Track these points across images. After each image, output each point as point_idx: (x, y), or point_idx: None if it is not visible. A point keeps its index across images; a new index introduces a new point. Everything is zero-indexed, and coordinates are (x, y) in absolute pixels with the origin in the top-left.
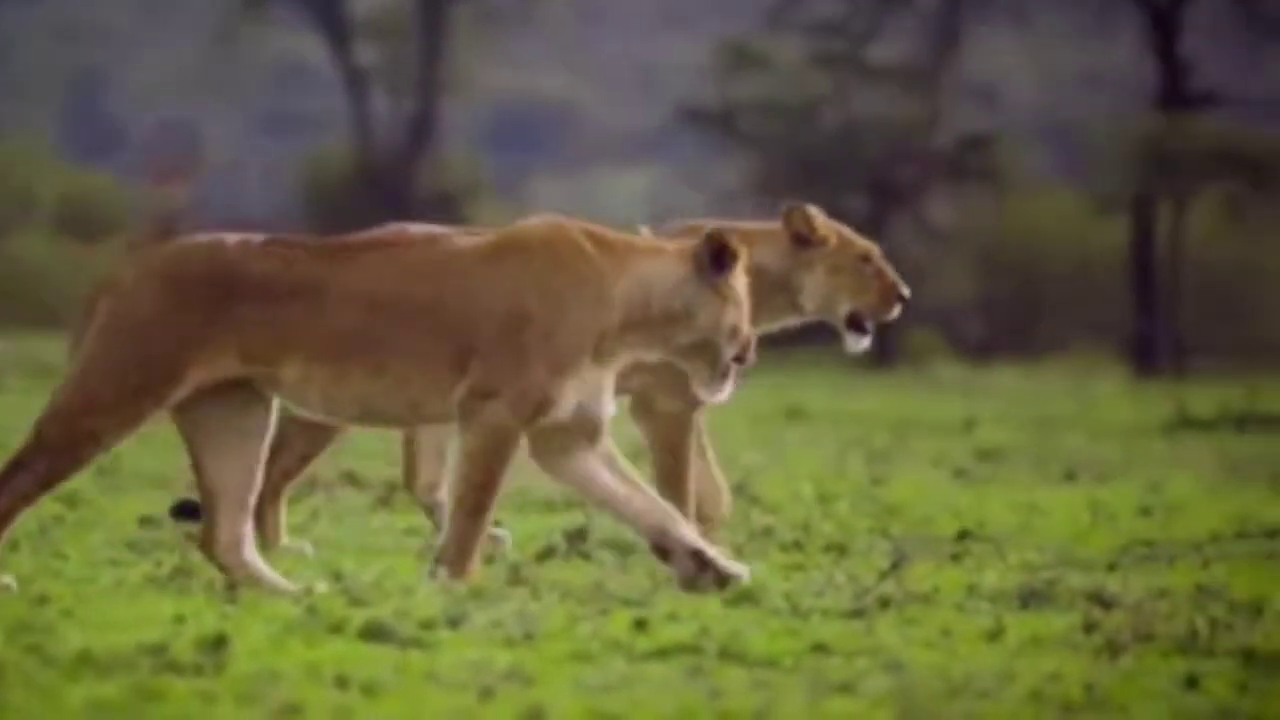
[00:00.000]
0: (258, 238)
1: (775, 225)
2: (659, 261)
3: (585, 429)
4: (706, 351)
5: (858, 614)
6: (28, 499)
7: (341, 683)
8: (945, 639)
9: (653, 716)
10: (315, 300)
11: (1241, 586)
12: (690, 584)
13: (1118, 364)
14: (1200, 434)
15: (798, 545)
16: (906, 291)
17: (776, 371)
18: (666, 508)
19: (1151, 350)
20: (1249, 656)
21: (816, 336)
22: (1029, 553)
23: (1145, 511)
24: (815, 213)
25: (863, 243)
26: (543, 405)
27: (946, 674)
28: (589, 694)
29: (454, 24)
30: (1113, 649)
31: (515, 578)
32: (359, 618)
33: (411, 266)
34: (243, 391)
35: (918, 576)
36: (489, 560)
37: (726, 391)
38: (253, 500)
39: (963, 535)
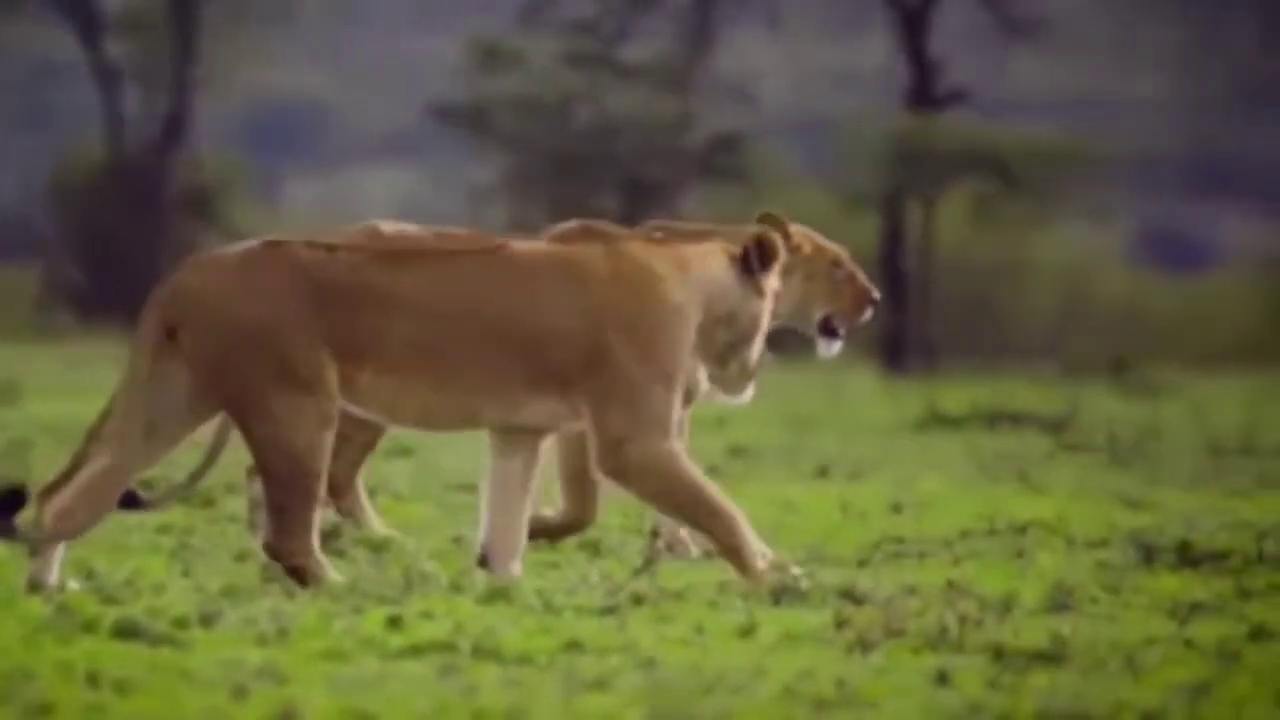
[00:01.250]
0: (325, 240)
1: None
2: (714, 264)
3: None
4: (740, 352)
5: (611, 611)
6: (309, 528)
7: (93, 681)
8: (698, 636)
9: (407, 714)
10: (382, 308)
11: (991, 583)
12: None
13: (869, 362)
14: (950, 432)
15: (551, 543)
16: (877, 295)
17: None
18: (519, 545)
19: (902, 348)
20: (998, 653)
21: None
22: (781, 550)
23: (896, 509)
24: (787, 220)
25: (833, 248)
26: (671, 424)
27: (699, 671)
28: (343, 692)
29: (207, 21)
30: (864, 645)
31: (268, 575)
32: (111, 616)
33: (478, 278)
34: None
35: (670, 574)
36: (241, 559)
37: (750, 393)
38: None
39: None
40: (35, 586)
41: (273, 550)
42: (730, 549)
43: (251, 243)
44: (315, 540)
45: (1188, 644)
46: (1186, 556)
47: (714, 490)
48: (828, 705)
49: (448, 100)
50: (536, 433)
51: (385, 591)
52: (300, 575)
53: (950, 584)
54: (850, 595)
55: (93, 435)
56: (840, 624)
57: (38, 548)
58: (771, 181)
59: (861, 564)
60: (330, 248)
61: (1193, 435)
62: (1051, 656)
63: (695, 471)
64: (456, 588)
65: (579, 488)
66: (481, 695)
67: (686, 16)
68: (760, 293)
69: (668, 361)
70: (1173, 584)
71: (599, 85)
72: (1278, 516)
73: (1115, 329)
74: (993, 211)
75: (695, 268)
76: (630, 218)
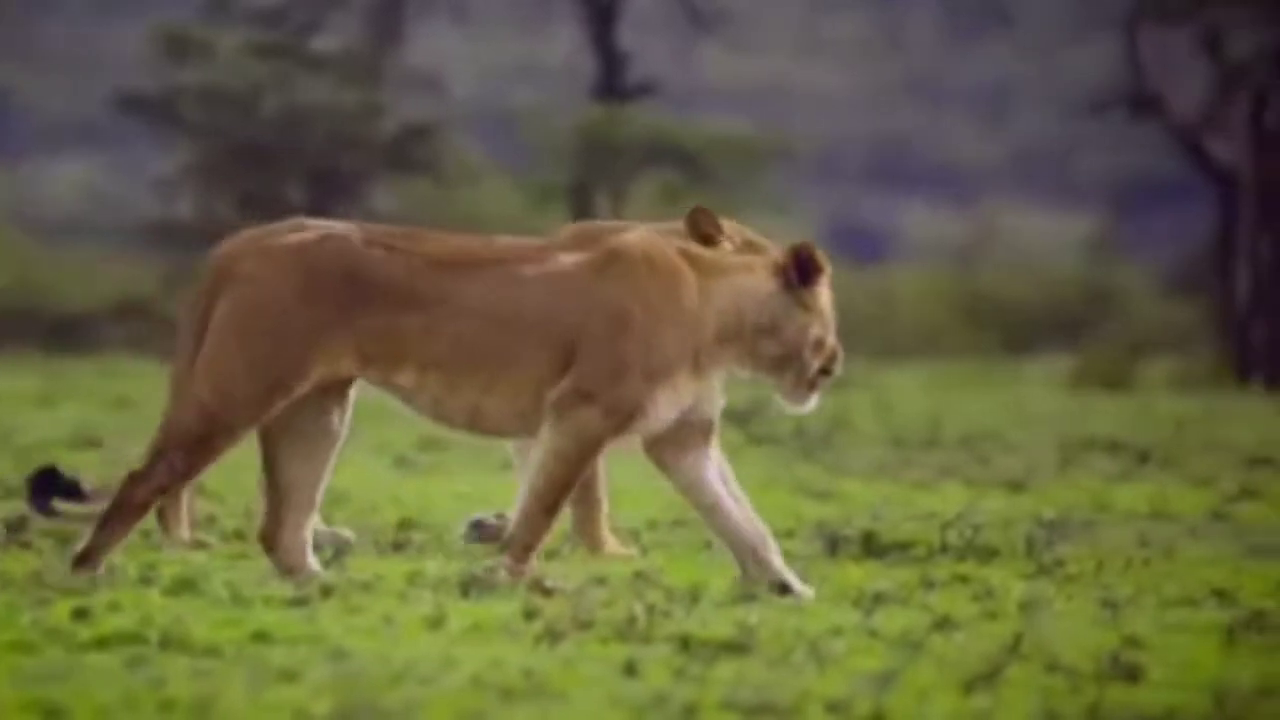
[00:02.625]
0: (378, 232)
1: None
2: (750, 276)
3: (698, 430)
4: (793, 364)
5: (300, 602)
6: (163, 490)
7: None
8: (387, 627)
9: (94, 706)
10: (432, 310)
11: (679, 574)
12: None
13: None
14: None
15: (239, 534)
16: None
17: None
18: (762, 530)
19: None
20: (685, 643)
21: None
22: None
23: None
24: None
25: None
26: (634, 414)
27: (388, 661)
28: (29, 684)
29: None
30: (552, 635)
31: None
32: None
33: (524, 281)
34: (325, 393)
35: (360, 565)
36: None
37: (813, 403)
38: (319, 502)
39: (405, 524)
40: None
41: (126, 484)
42: (526, 542)
43: (311, 233)
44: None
45: (872, 634)
46: (871, 547)
47: (569, 495)
48: (515, 695)
49: (134, 90)
50: (692, 428)
51: (72, 583)
52: (112, 525)
53: (638, 575)
54: (539, 586)
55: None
56: (529, 615)
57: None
58: (461, 173)
59: (550, 555)
60: (389, 246)
61: (878, 427)
62: (738, 646)
63: (587, 467)
64: (145, 580)
65: (580, 487)
66: (169, 686)
67: (375, 8)
68: (806, 306)
69: (662, 359)
70: (858, 574)
71: (287, 76)
72: (960, 507)
73: None
74: (680, 203)
75: (728, 279)
76: (318, 209)
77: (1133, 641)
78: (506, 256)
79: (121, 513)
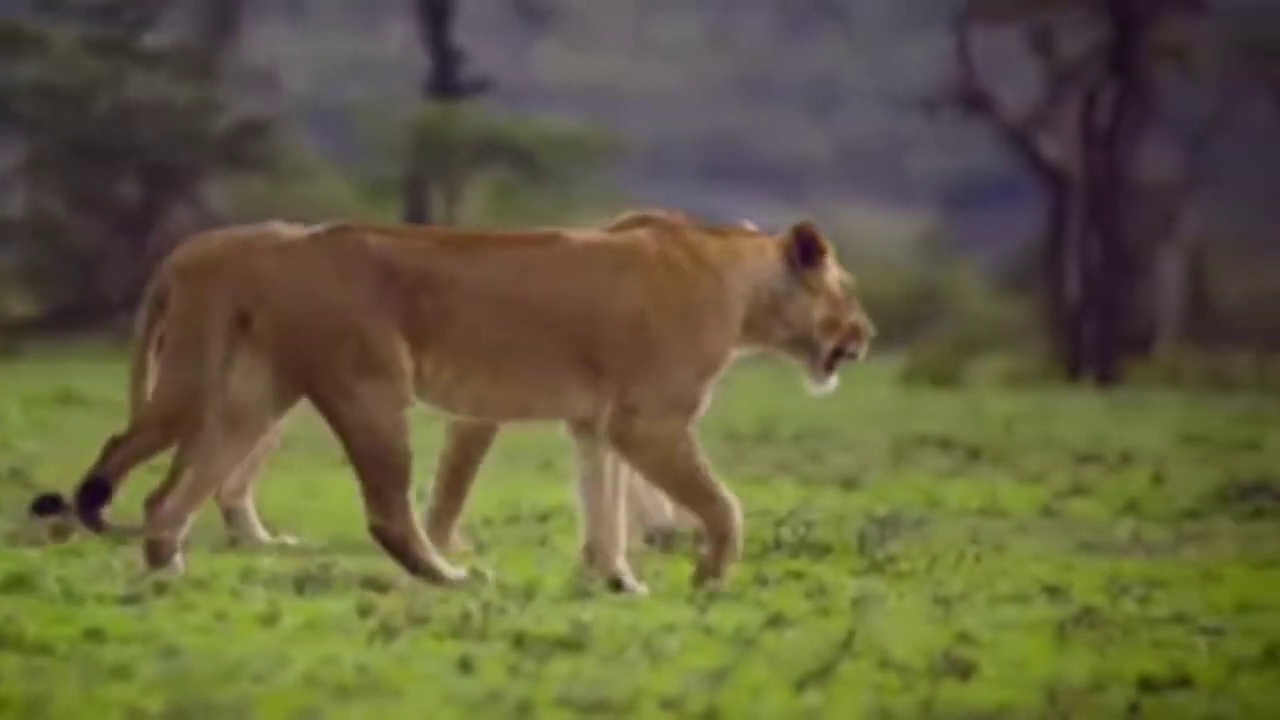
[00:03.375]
0: (394, 228)
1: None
2: (761, 258)
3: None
4: (805, 345)
5: (133, 600)
6: (408, 508)
7: None
8: (221, 624)
9: None
10: (446, 295)
11: (513, 570)
12: None
13: None
14: None
15: (66, 530)
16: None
17: (52, 356)
18: (622, 525)
19: None
20: (520, 640)
21: (95, 324)
22: (304, 537)
23: (420, 496)
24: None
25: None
26: (692, 408)
27: (221, 658)
28: None
29: None
30: (387, 632)
31: None
32: None
33: (533, 267)
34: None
35: (194, 562)
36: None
37: (831, 385)
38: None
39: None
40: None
41: (377, 532)
42: (719, 536)
43: (316, 228)
44: (417, 521)
45: (706, 631)
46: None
47: (712, 477)
48: (350, 692)
49: None
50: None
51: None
52: (407, 557)
53: (473, 571)
54: (373, 583)
55: (187, 440)
56: (363, 612)
57: (154, 559)
58: (295, 169)
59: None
60: (398, 234)
61: (712, 422)
62: (572, 643)
63: (697, 455)
64: None
65: (454, 482)
66: (1, 685)
67: (209, 4)
68: (810, 287)
69: (703, 347)
70: (691, 571)
71: (121, 72)
72: (794, 504)
73: None
74: (514, 199)
75: (747, 260)
76: (152, 206)
77: (964, 638)
78: (515, 240)
79: (416, 559)
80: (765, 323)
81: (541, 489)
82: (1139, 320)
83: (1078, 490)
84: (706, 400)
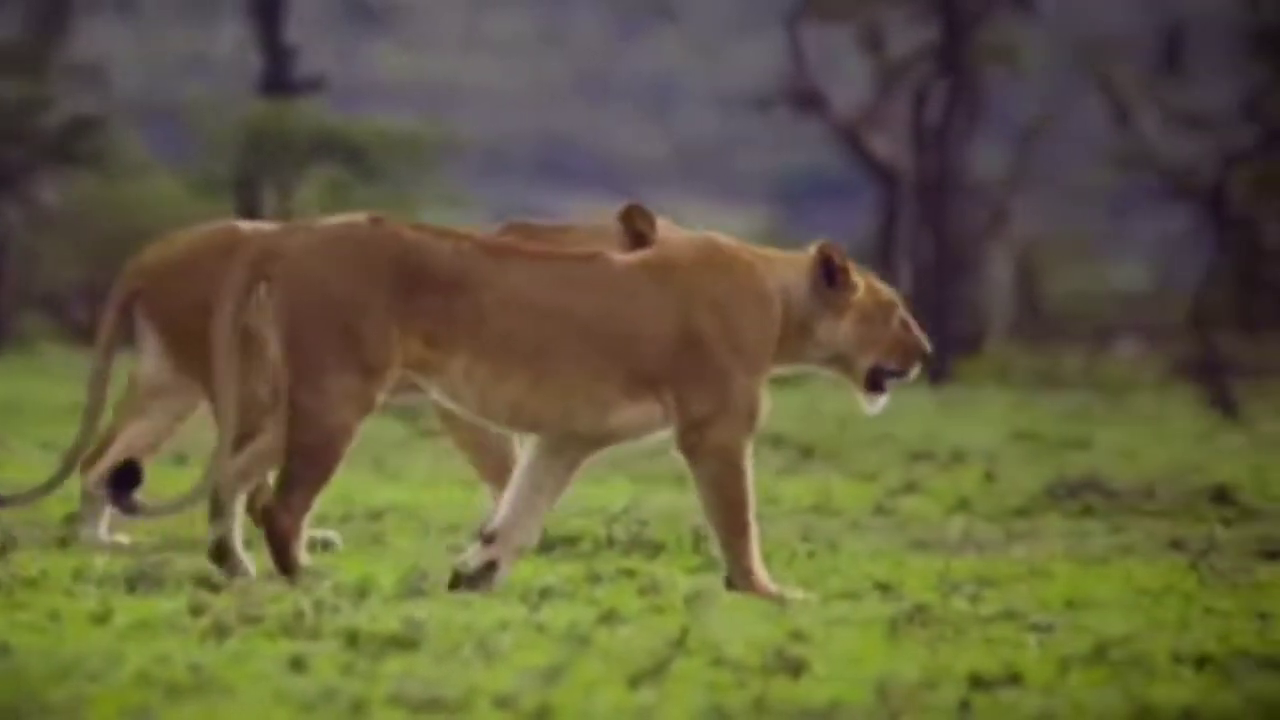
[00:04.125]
0: (430, 226)
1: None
2: (791, 272)
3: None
4: (841, 365)
5: None
6: (306, 509)
7: None
8: (53, 622)
9: None
10: (481, 299)
11: (347, 569)
12: None
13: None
14: None
15: None
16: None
17: None
18: (534, 537)
19: None
20: (353, 638)
21: None
22: (136, 536)
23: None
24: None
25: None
26: (755, 412)
27: (53, 657)
28: None
29: None
30: (220, 631)
31: None
32: None
33: (580, 280)
34: None
35: (25, 560)
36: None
37: (879, 404)
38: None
39: (70, 518)
40: (228, 568)
41: (269, 518)
42: (739, 565)
43: (357, 215)
44: (305, 530)
45: (540, 628)
46: (538, 542)
47: (751, 509)
48: (182, 691)
49: None
50: (601, 443)
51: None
52: (283, 555)
53: (306, 570)
54: (206, 582)
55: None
56: (195, 610)
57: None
58: (126, 167)
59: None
60: (438, 232)
61: None
62: (406, 641)
63: (748, 476)
64: None
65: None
66: None
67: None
68: (835, 308)
69: (753, 347)
70: (525, 569)
71: None
72: (627, 501)
73: None
74: (348, 198)
75: (778, 269)
76: None
77: (797, 635)
78: (562, 252)
79: (284, 549)
80: (797, 341)
81: (375, 488)
82: (969, 318)
83: (909, 488)
84: (766, 404)
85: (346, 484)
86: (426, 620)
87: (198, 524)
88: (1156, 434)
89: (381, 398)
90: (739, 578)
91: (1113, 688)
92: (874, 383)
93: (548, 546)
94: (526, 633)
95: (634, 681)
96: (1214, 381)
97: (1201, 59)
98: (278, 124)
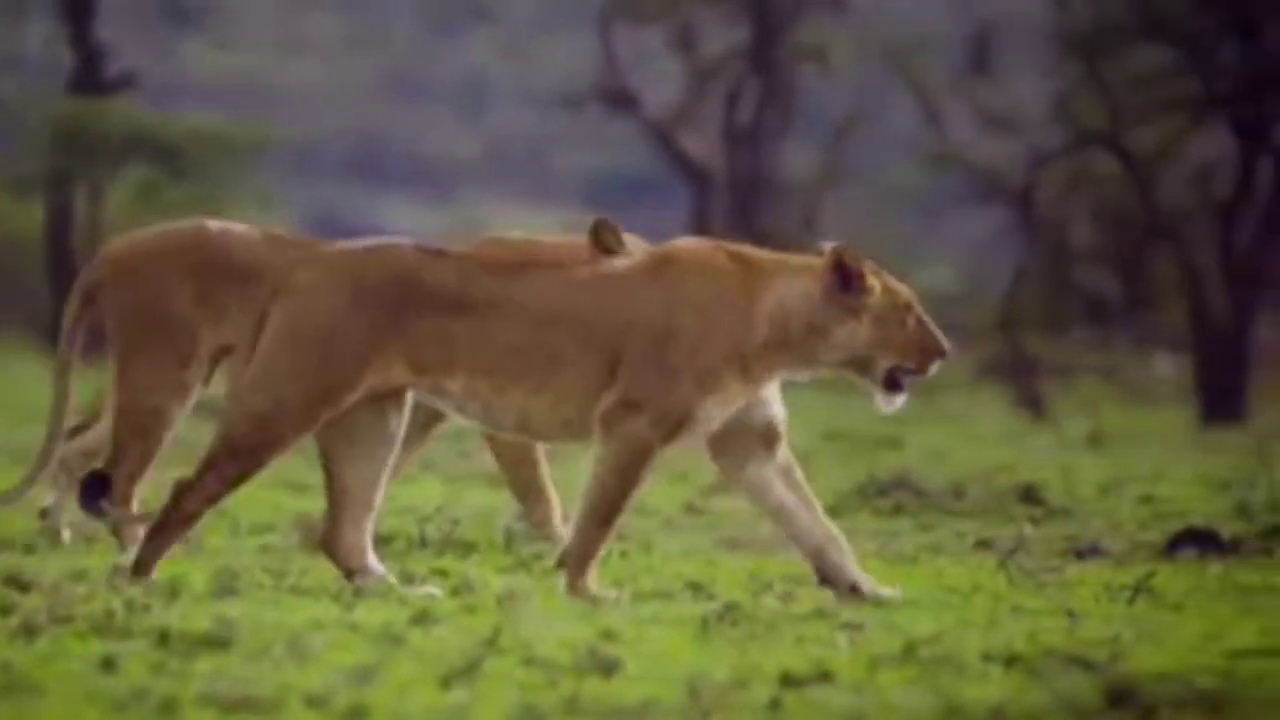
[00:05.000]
0: (432, 245)
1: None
2: (799, 280)
3: (761, 436)
4: (859, 367)
5: None
6: (213, 500)
7: None
8: None
9: None
10: (483, 315)
11: (159, 567)
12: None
13: (31, 344)
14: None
15: None
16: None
17: None
18: (833, 532)
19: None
20: (164, 637)
21: None
22: None
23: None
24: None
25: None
26: (683, 421)
27: None
28: None
29: None
30: (29, 630)
31: None
32: None
33: (575, 285)
34: (382, 398)
35: None
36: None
37: (897, 403)
38: (378, 504)
39: None
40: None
41: (180, 488)
42: (583, 555)
43: (370, 240)
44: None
45: (352, 628)
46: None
47: (625, 507)
48: None
49: None
50: (755, 436)
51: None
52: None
53: (116, 569)
54: (15, 581)
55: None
56: (4, 610)
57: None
58: None
59: (28, 550)
60: (439, 252)
61: None
62: (217, 641)
63: (641, 477)
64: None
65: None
66: None
67: None
68: (852, 310)
69: (709, 364)
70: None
71: None
72: (441, 501)
73: None
74: (160, 197)
75: (776, 283)
76: None
77: (609, 634)
78: (558, 260)
79: (172, 522)
80: (812, 347)
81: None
82: None
83: (721, 488)
84: (704, 418)
85: (159, 484)
86: (238, 619)
87: (7, 524)
88: (966, 434)
89: (330, 415)
90: (572, 565)
91: (922, 686)
92: (892, 383)
93: None
94: (339, 632)
95: (446, 681)
96: (1022, 382)
97: (1010, 60)
98: (89, 122)
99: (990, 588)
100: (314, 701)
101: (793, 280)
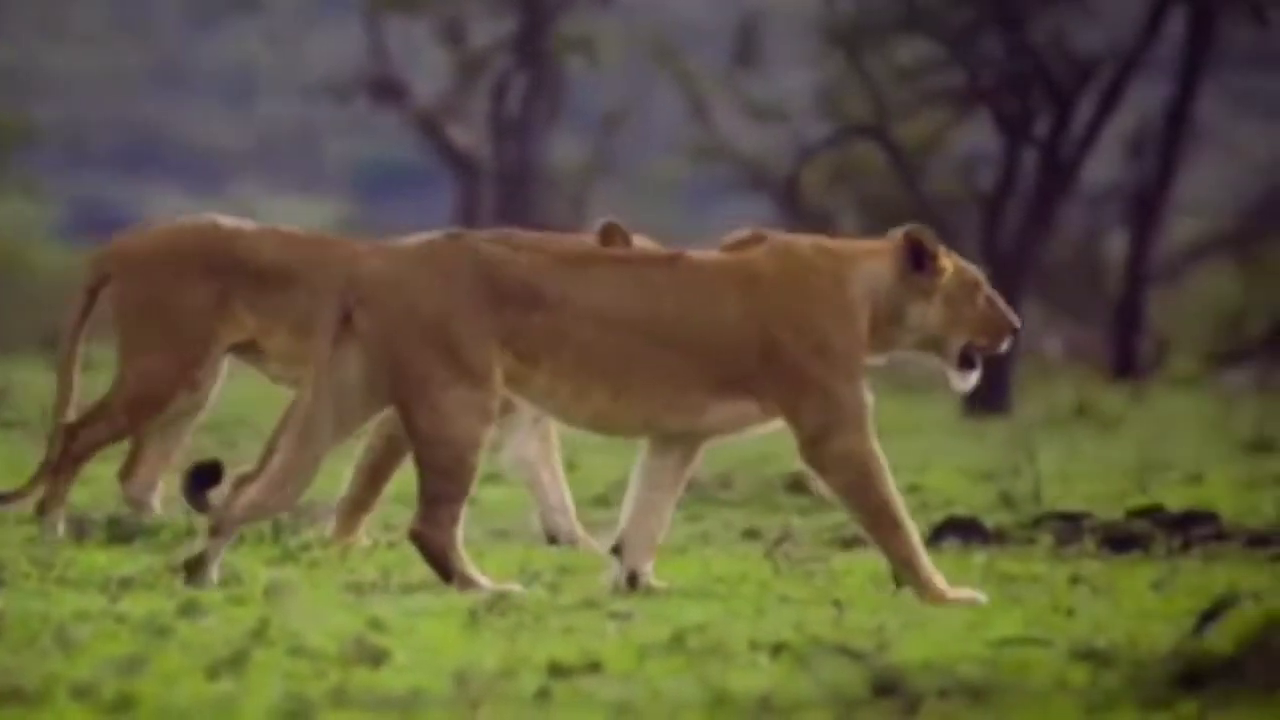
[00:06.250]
0: (512, 238)
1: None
2: (875, 264)
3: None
4: (933, 347)
5: None
6: (455, 521)
7: None
8: None
9: None
10: (562, 312)
11: None
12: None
13: None
14: None
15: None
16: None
17: None
18: (656, 537)
19: None
20: None
21: None
22: None
23: None
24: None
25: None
26: (866, 409)
27: None
28: None
29: None
30: None
31: None
32: None
33: (659, 286)
34: None
35: None
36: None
37: (971, 381)
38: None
39: None
40: (194, 580)
41: (420, 539)
42: (905, 561)
43: (434, 234)
44: (460, 535)
45: (119, 619)
46: (116, 532)
47: (900, 502)
48: None
49: None
50: (703, 438)
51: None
52: (443, 567)
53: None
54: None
55: (282, 425)
56: None
57: (216, 532)
58: None
59: None
60: (514, 246)
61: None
62: None
63: (889, 481)
64: None
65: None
66: None
67: None
68: (924, 292)
69: (843, 354)
70: (103, 559)
71: None
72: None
73: (48, 304)
74: None
75: (862, 265)
76: None
77: (377, 625)
78: (637, 258)
79: (441, 562)
80: (889, 330)
81: None
82: None
83: (491, 479)
84: (870, 400)
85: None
86: (4, 610)
87: None
88: None
89: (496, 405)
90: (914, 582)
91: (690, 675)
92: (966, 360)
93: (127, 537)
94: (106, 623)
95: (213, 672)
96: None
97: (775, 52)
98: None
99: (757, 577)
100: (81, 692)
101: (869, 265)
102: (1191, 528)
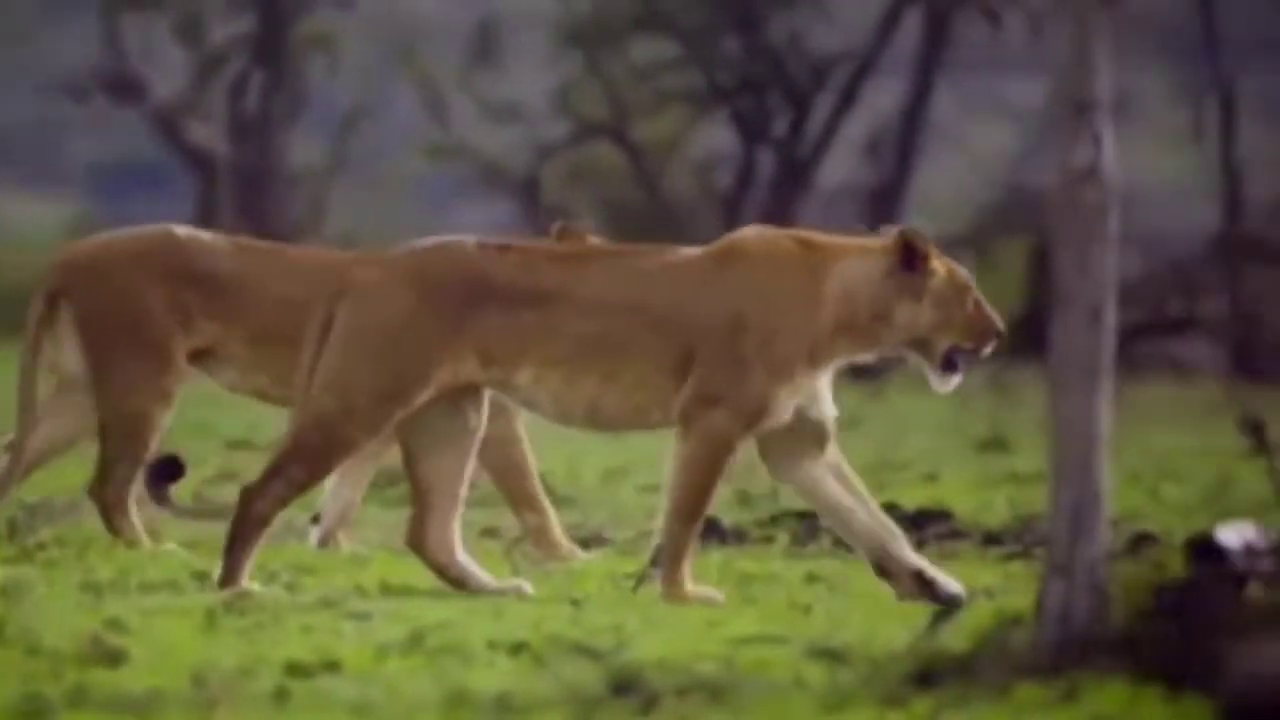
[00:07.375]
0: (494, 241)
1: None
2: (863, 262)
3: (812, 434)
4: (921, 347)
5: None
6: (284, 503)
7: None
8: None
9: None
10: (552, 306)
11: None
12: (910, 601)
13: None
14: None
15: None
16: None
17: None
18: (889, 525)
19: None
20: None
21: None
22: None
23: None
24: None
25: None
26: (761, 412)
27: None
28: None
29: None
30: None
31: None
32: None
33: (643, 275)
34: (459, 392)
35: None
36: None
37: (953, 383)
38: (463, 499)
39: None
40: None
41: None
42: (678, 552)
43: (427, 241)
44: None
45: None
46: None
47: (709, 502)
48: None
49: None
50: (803, 434)
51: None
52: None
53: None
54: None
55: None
56: None
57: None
58: None
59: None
60: (503, 248)
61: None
62: None
63: (722, 471)
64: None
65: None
66: None
67: None
68: (914, 292)
69: (782, 350)
70: None
71: None
72: None
73: None
74: None
75: (843, 261)
76: None
77: (115, 624)
78: (623, 250)
79: (245, 530)
80: (875, 328)
81: None
82: None
83: (225, 475)
84: (780, 410)
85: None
86: None
87: None
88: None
89: (401, 414)
90: (667, 566)
91: (428, 674)
92: (949, 363)
93: None
94: None
95: None
96: None
97: (514, 51)
98: None
99: (496, 576)
100: None
101: (855, 262)
102: (927, 526)
